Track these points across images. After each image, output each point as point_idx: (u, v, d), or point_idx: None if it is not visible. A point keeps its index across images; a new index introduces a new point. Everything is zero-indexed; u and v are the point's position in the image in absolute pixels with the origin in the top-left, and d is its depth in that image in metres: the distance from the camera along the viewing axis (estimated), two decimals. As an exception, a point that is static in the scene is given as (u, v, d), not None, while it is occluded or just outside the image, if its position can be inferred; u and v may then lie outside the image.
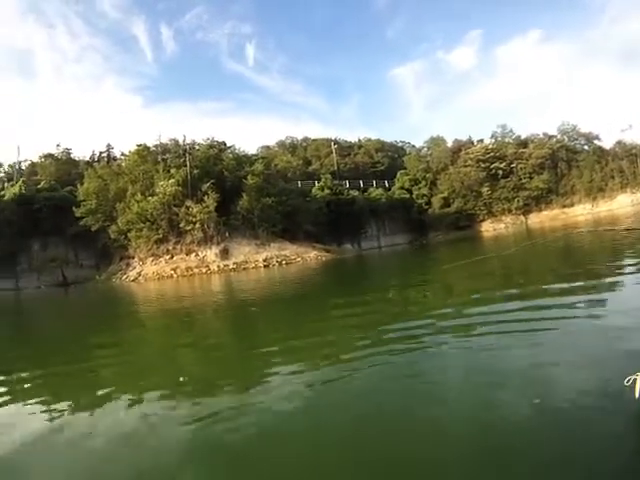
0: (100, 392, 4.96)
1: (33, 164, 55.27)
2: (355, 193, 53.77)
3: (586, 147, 64.39)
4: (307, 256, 37.68)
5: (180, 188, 39.60)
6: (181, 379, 5.00)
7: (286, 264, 35.43)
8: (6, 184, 48.49)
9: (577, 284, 7.51)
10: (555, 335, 4.44)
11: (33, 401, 4.84)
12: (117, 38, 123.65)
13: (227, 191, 39.86)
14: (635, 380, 2.33)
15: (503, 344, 4.38)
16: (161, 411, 3.99)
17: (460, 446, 2.50)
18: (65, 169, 52.13)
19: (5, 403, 4.91)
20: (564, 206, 58.83)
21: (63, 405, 4.61)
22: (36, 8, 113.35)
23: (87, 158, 55.78)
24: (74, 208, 41.66)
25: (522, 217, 58.17)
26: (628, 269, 8.28)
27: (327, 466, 2.55)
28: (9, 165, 54.22)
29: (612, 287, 7.06)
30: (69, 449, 3.33)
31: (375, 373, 4.05)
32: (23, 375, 6.34)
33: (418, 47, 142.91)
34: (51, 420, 4.08)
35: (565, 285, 7.59)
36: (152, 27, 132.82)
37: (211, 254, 37.76)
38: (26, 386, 5.84)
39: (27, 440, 3.57)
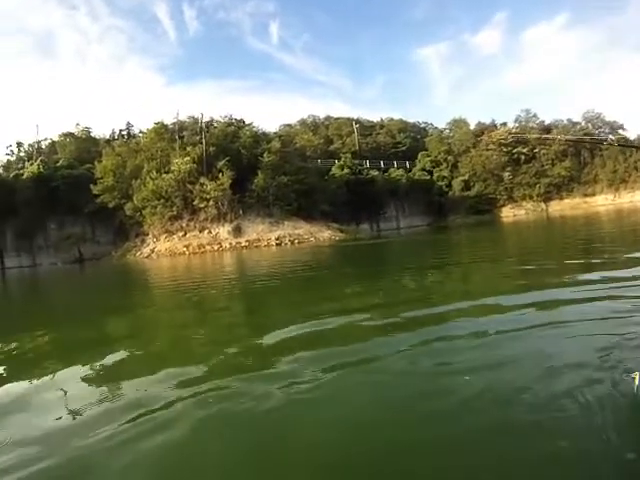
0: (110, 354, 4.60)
1: (53, 143, 55.81)
2: (375, 173, 52.77)
3: (610, 136, 62.19)
4: (321, 235, 37.20)
5: (195, 165, 39.48)
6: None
7: (298, 243, 35.06)
8: (26, 163, 49.16)
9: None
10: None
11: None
12: (140, 19, 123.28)
13: (243, 169, 39.55)
14: (634, 379, 2.27)
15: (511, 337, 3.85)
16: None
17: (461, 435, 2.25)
18: (84, 147, 52.50)
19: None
20: (585, 195, 57.09)
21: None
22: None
23: (107, 136, 56.12)
24: (92, 186, 41.97)
25: (543, 204, 56.45)
26: None
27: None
28: (29, 144, 54.99)
29: None
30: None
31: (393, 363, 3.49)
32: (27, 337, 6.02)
33: (444, 29, 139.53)
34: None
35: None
36: (174, 7, 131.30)
37: (224, 231, 37.64)
38: (29, 347, 5.52)
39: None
